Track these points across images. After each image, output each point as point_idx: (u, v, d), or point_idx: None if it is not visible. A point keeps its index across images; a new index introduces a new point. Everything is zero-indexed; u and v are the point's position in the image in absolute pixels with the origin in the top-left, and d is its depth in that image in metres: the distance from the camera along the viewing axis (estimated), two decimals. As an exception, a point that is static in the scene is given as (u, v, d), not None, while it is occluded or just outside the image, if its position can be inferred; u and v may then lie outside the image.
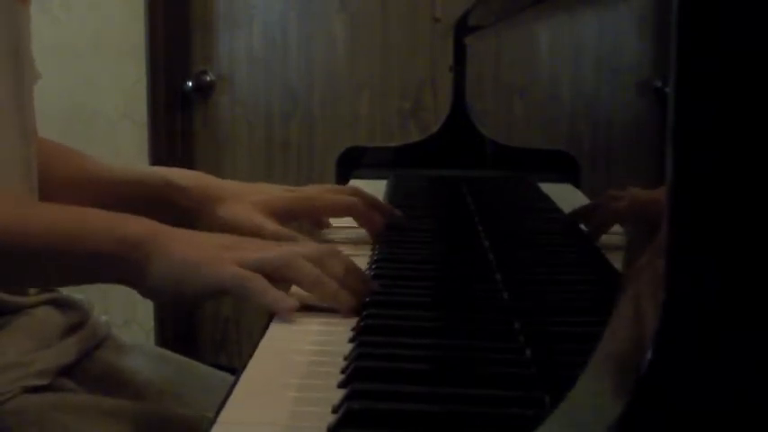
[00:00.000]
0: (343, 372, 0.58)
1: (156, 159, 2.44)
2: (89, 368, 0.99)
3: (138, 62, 2.43)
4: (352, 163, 1.48)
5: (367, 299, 0.73)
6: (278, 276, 0.75)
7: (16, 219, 0.80)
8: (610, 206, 0.54)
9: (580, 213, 0.62)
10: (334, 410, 0.52)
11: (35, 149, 0.98)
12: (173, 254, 0.77)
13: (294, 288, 0.77)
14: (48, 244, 0.79)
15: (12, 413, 0.86)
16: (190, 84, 2.47)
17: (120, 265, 0.77)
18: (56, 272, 0.83)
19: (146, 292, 0.79)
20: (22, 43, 0.95)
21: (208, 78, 2.47)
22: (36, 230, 0.80)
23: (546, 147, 0.76)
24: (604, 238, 0.53)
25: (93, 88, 2.50)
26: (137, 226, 0.79)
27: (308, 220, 1.07)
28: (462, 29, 1.45)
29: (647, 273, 0.33)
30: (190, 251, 0.77)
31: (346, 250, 0.95)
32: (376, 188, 1.31)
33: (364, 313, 0.70)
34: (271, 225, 0.96)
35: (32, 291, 0.99)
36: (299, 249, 0.79)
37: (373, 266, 0.86)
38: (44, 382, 0.91)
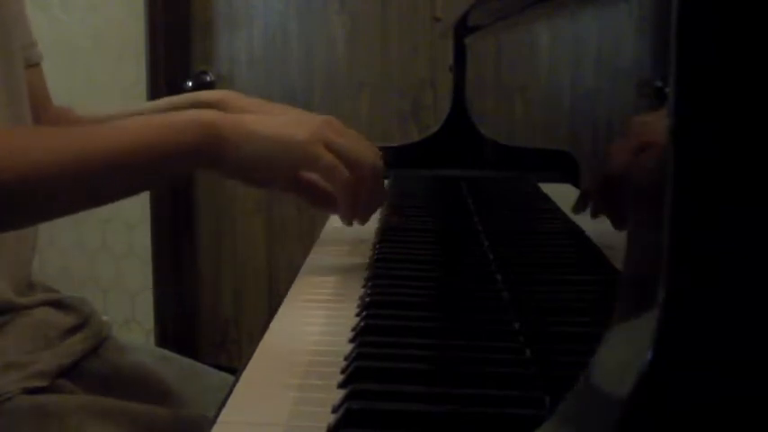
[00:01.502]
0: (343, 372, 0.58)
1: (156, 159, 2.44)
2: (89, 369, 0.99)
3: (138, 62, 2.43)
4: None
5: (368, 299, 0.73)
6: (348, 166, 0.82)
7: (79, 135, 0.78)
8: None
9: (581, 203, 0.62)
10: (334, 410, 0.52)
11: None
12: (261, 131, 0.79)
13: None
14: (131, 148, 0.76)
15: (12, 413, 0.86)
16: (190, 84, 2.47)
17: (209, 150, 0.78)
18: (139, 174, 0.79)
19: (234, 172, 0.81)
20: (8, 30, 0.94)
21: (208, 78, 2.47)
22: (116, 137, 0.77)
23: (546, 147, 0.76)
24: (605, 238, 0.53)
25: (93, 88, 2.50)
26: (208, 113, 0.80)
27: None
28: (462, 29, 1.45)
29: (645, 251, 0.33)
30: (277, 128, 0.80)
31: (345, 249, 0.96)
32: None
33: (364, 313, 0.70)
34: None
35: (32, 291, 1.00)
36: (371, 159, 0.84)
37: (373, 266, 0.86)
38: (44, 383, 0.91)
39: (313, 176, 0.86)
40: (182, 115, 0.81)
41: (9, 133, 0.80)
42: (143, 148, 0.76)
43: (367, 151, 0.85)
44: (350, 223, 0.88)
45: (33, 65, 1.05)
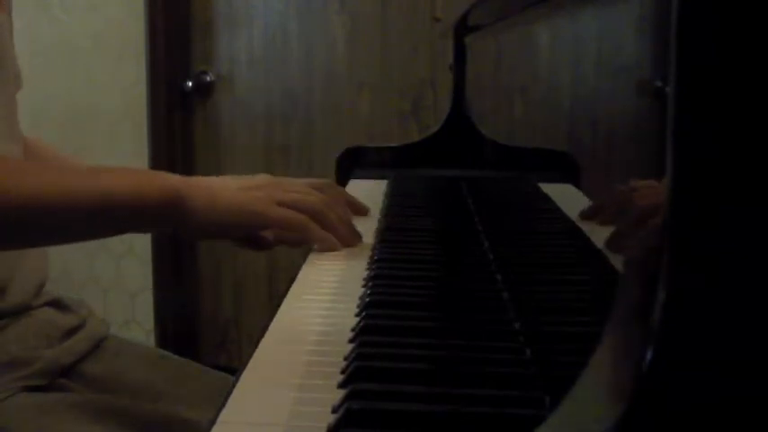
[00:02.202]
0: (343, 372, 0.58)
1: (156, 159, 2.45)
2: (89, 368, 0.99)
3: (138, 62, 2.43)
4: (352, 163, 1.48)
5: (367, 299, 0.73)
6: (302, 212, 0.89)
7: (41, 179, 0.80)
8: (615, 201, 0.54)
9: (589, 213, 0.62)
10: (334, 410, 0.52)
11: (21, 153, 0.99)
12: (220, 199, 0.85)
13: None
14: (86, 199, 0.80)
15: (13, 411, 0.86)
16: (190, 84, 2.47)
17: (164, 214, 0.83)
18: (95, 225, 0.84)
19: (191, 236, 0.89)
20: (4, 51, 0.96)
21: (208, 78, 2.47)
22: (73, 187, 0.80)
23: (546, 147, 0.76)
24: (605, 238, 0.53)
25: (93, 88, 2.50)
26: (171, 177, 0.85)
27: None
28: (462, 29, 1.45)
29: (643, 266, 0.33)
30: (231, 194, 0.86)
31: (345, 249, 0.96)
32: (376, 188, 1.31)
33: (364, 313, 0.70)
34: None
35: (34, 292, 1.00)
36: (318, 195, 0.92)
37: (373, 266, 0.86)
38: (45, 381, 0.91)
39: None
40: (147, 176, 0.87)
41: (4, 160, 0.83)
42: (110, 198, 0.80)
43: (310, 197, 0.92)
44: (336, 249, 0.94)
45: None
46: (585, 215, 0.62)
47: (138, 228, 0.89)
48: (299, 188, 0.93)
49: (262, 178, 0.92)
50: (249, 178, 0.92)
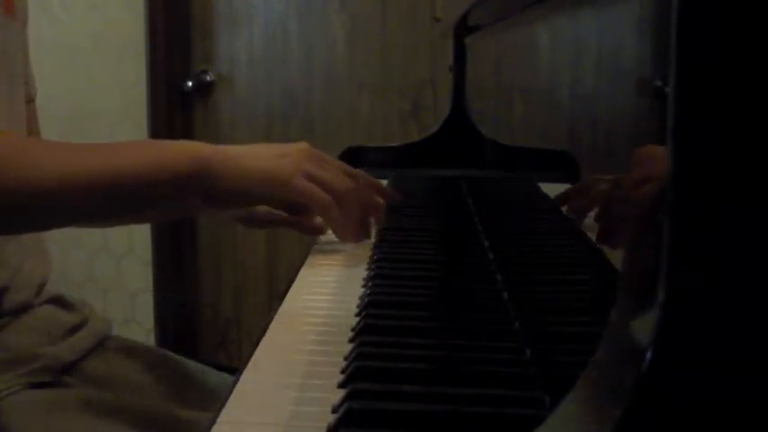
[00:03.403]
0: (343, 372, 0.58)
1: (156, 159, 2.44)
2: (91, 366, 0.99)
3: (138, 62, 2.43)
4: (352, 163, 1.48)
5: (367, 299, 0.73)
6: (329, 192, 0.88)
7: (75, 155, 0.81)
8: (593, 189, 0.54)
9: (563, 198, 0.63)
10: (334, 410, 0.52)
11: None
12: (247, 165, 0.85)
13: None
14: (127, 172, 0.80)
15: (16, 407, 0.86)
16: (190, 84, 2.47)
17: (198, 181, 0.83)
18: (130, 201, 0.84)
19: (219, 203, 0.86)
20: (10, 57, 0.96)
21: (208, 78, 2.47)
22: (117, 162, 0.81)
23: (546, 147, 0.76)
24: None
25: (93, 88, 2.50)
26: (203, 147, 0.85)
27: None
28: (462, 29, 1.45)
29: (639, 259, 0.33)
30: (257, 161, 0.85)
31: (346, 250, 0.96)
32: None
33: (364, 313, 0.70)
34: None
35: (36, 290, 1.00)
36: (349, 181, 0.91)
37: (373, 266, 0.86)
38: (47, 378, 0.92)
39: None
40: (174, 145, 0.86)
41: (23, 142, 0.85)
42: (141, 169, 0.81)
43: (342, 184, 0.90)
44: (347, 240, 0.95)
45: (28, 101, 1.07)
46: (559, 199, 0.63)
47: (168, 198, 0.87)
48: (331, 167, 0.91)
49: (298, 147, 0.90)
50: (285, 146, 0.90)
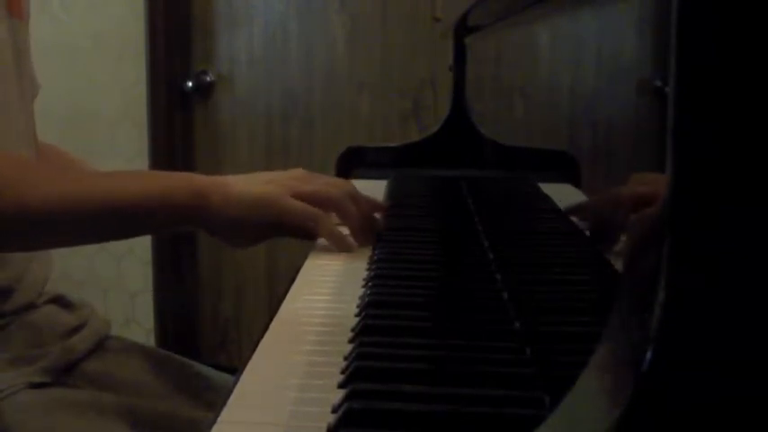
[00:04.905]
0: (343, 372, 0.58)
1: (156, 160, 2.44)
2: (91, 367, 0.99)
3: (138, 62, 2.43)
4: (352, 163, 1.48)
5: (367, 299, 0.73)
6: (325, 209, 0.92)
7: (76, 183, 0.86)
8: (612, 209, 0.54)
9: (579, 210, 0.62)
10: (334, 410, 0.52)
11: (35, 159, 1.01)
12: (240, 195, 0.88)
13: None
14: (129, 202, 0.85)
15: (17, 407, 0.86)
16: (190, 84, 2.47)
17: (195, 213, 0.87)
18: (128, 228, 0.89)
19: (215, 232, 0.89)
20: (22, 57, 0.98)
21: (208, 78, 2.47)
22: (126, 190, 0.85)
23: (546, 147, 0.76)
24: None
25: (93, 89, 2.50)
26: (199, 179, 0.89)
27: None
28: (462, 29, 1.45)
29: (644, 264, 0.33)
30: (245, 188, 0.89)
31: (343, 252, 0.96)
32: (376, 188, 1.31)
33: (364, 313, 0.70)
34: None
35: (39, 291, 1.01)
36: (342, 188, 0.95)
37: (373, 266, 0.86)
38: (48, 379, 0.92)
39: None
40: (173, 177, 0.90)
41: (24, 166, 0.87)
42: (140, 201, 0.85)
43: (333, 189, 0.94)
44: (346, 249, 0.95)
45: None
46: (570, 211, 0.62)
47: (168, 228, 0.93)
48: (318, 180, 0.95)
49: (289, 172, 0.95)
50: (277, 172, 0.94)
